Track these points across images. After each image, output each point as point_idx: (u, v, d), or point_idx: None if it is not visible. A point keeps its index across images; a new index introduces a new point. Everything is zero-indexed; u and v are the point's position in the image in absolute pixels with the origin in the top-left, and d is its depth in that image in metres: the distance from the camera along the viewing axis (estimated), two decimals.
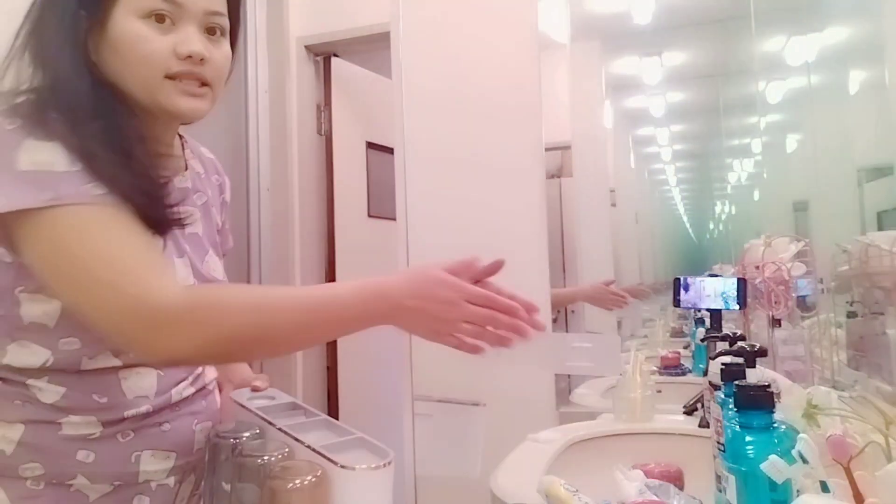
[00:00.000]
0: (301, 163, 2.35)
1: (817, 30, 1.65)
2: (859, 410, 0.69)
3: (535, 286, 1.55)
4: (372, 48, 2.37)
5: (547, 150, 1.69)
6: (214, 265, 0.93)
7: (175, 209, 0.82)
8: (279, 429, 0.82)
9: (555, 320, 1.74)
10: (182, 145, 0.97)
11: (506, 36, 1.69)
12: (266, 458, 0.77)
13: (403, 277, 0.78)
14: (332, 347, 2.32)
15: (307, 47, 2.40)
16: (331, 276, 2.31)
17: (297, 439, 0.79)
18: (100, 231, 0.71)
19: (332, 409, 2.29)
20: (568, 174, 1.89)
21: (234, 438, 0.82)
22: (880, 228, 1.26)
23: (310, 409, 0.90)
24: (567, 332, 1.83)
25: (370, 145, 2.56)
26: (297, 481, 0.71)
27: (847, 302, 1.30)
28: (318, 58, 2.44)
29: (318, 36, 2.39)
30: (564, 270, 1.86)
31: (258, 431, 0.84)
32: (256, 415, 0.86)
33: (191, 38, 0.80)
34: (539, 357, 1.33)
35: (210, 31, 0.83)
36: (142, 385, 0.82)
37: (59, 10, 0.79)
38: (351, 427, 0.85)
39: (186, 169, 0.94)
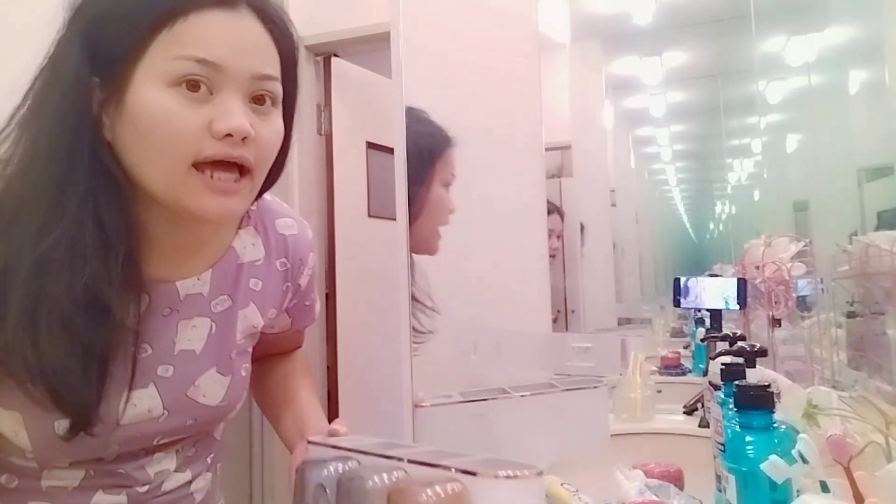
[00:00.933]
0: (301, 163, 2.34)
1: (817, 30, 1.65)
2: (859, 410, 0.69)
3: (534, 286, 1.55)
4: (372, 48, 2.37)
5: (547, 150, 1.69)
6: (210, 388, 0.76)
7: (100, 413, 0.64)
8: (390, 456, 0.63)
9: (555, 320, 1.74)
10: (242, 221, 0.80)
11: (506, 36, 1.69)
12: (385, 476, 0.58)
13: None
14: (332, 347, 2.32)
15: (307, 47, 2.40)
16: (331, 276, 2.31)
17: (420, 463, 0.61)
18: None
19: (332, 409, 2.29)
20: (568, 174, 1.89)
21: (335, 467, 0.63)
22: (880, 228, 1.26)
23: (407, 444, 0.74)
24: (567, 331, 1.83)
25: (370, 145, 2.55)
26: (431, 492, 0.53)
27: (847, 302, 1.30)
28: (318, 58, 2.44)
29: (318, 36, 2.39)
30: (564, 270, 1.86)
31: (360, 463, 0.65)
32: (354, 451, 0.68)
33: (231, 111, 0.62)
34: (539, 357, 1.33)
35: (258, 99, 0.65)
36: None
37: (66, 77, 0.63)
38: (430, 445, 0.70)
39: (212, 267, 0.76)
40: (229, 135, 0.62)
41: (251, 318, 0.81)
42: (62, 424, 0.64)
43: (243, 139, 0.63)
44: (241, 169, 0.65)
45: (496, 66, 1.69)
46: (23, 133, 0.64)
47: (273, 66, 0.67)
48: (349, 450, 0.67)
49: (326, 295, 2.31)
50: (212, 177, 0.63)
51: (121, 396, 0.68)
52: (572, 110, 1.88)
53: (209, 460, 0.85)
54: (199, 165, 0.63)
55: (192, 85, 0.61)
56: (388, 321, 1.12)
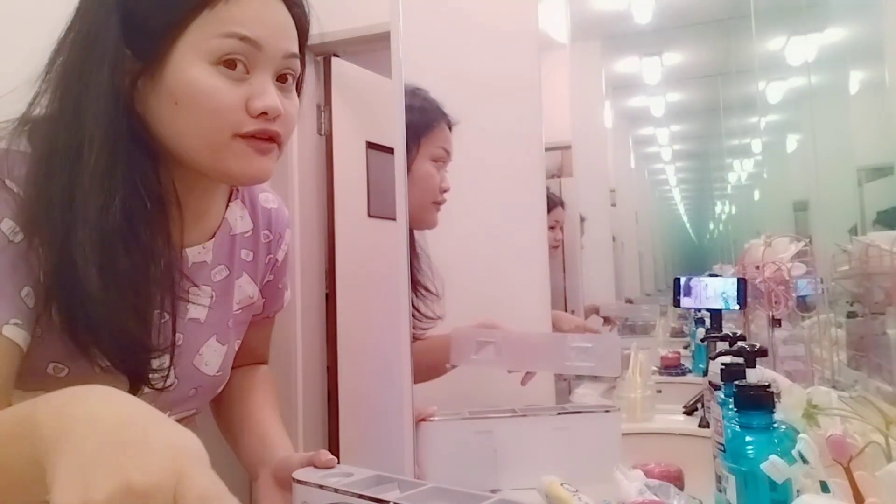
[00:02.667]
0: (301, 163, 2.34)
1: (817, 30, 1.65)
2: (859, 410, 0.69)
3: (535, 285, 1.55)
4: (372, 48, 2.37)
5: (547, 149, 1.69)
6: (210, 356, 0.79)
7: (154, 364, 0.67)
8: (379, 500, 0.61)
9: None
10: (232, 193, 0.84)
11: (506, 36, 1.69)
12: None
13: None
14: (332, 347, 2.32)
15: (307, 47, 2.40)
16: (331, 276, 2.31)
17: None
18: None
19: (333, 409, 2.29)
20: (568, 174, 1.89)
21: None
22: (877, 224, 1.26)
23: (403, 480, 0.71)
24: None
25: (370, 145, 2.55)
26: None
27: (847, 302, 1.30)
28: (318, 58, 2.44)
29: (317, 36, 2.37)
30: (564, 270, 1.86)
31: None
32: (347, 493, 0.64)
33: (267, 91, 0.67)
34: (539, 357, 1.33)
35: (282, 77, 0.70)
36: None
37: (101, 48, 0.65)
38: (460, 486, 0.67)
39: (212, 237, 0.79)
40: (265, 113, 0.66)
41: (246, 289, 0.84)
42: None
43: (276, 117, 0.68)
44: (272, 140, 0.70)
45: (496, 66, 1.69)
46: (56, 93, 0.66)
47: (296, 45, 0.71)
48: (337, 491, 0.65)
49: (326, 295, 2.31)
50: (251, 141, 0.68)
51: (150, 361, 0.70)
52: (572, 110, 1.88)
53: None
54: (241, 137, 0.67)
55: (230, 63, 0.65)
56: (389, 321, 1.12)
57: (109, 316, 0.63)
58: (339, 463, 0.73)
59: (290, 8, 0.70)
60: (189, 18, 0.64)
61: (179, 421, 0.78)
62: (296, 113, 0.73)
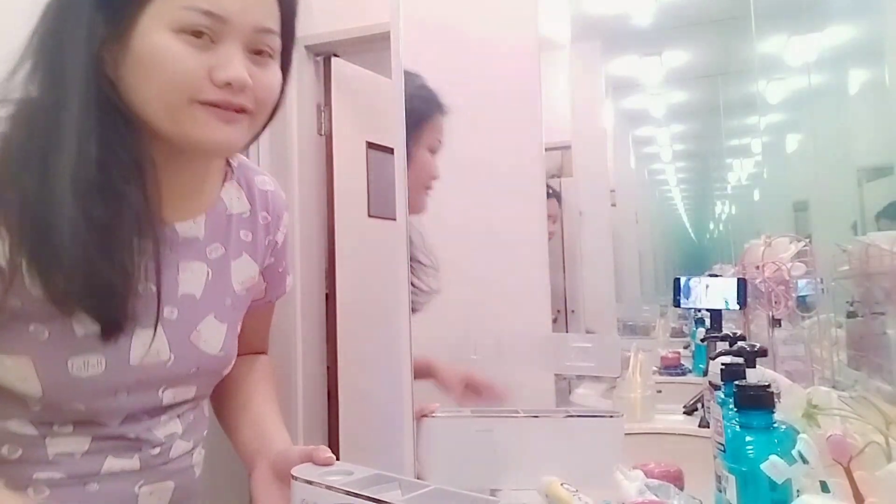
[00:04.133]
0: (301, 163, 2.34)
1: (817, 30, 1.65)
2: (859, 410, 0.69)
3: (534, 285, 1.55)
4: (372, 48, 2.37)
5: (547, 150, 1.69)
6: (210, 334, 0.79)
7: (130, 310, 0.67)
8: (378, 501, 0.60)
9: (555, 320, 1.74)
10: (227, 175, 0.84)
11: (506, 36, 1.69)
12: None
13: None
14: (332, 347, 2.32)
15: (307, 47, 2.40)
16: (331, 276, 2.31)
17: None
18: None
19: (333, 409, 2.29)
20: (568, 174, 1.89)
21: None
22: (880, 228, 1.26)
23: (404, 479, 0.70)
24: (567, 332, 1.83)
25: (370, 145, 2.55)
26: None
27: (847, 302, 1.30)
28: (318, 58, 2.44)
29: (318, 36, 2.39)
30: (564, 270, 1.86)
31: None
32: (348, 493, 0.63)
33: (232, 61, 0.66)
34: (539, 357, 1.33)
35: (256, 52, 0.70)
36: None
37: (75, 14, 0.67)
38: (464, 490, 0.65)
39: (206, 213, 0.80)
40: (229, 84, 0.66)
41: (248, 270, 0.84)
42: (76, 362, 0.68)
43: (242, 88, 0.67)
44: (241, 111, 0.69)
45: (496, 66, 1.69)
46: (34, 60, 0.68)
47: (274, 20, 0.71)
48: (337, 490, 0.64)
49: (326, 295, 2.31)
50: (215, 109, 0.67)
51: (131, 335, 0.71)
52: (572, 110, 1.88)
53: (204, 434, 0.86)
54: (202, 104, 0.67)
55: (196, 33, 0.66)
56: (389, 321, 1.12)
57: (82, 258, 0.64)
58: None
59: None
60: None
61: (182, 406, 0.79)
62: (275, 85, 0.72)
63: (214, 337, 0.79)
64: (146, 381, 0.73)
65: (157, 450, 0.76)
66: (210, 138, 0.68)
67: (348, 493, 0.62)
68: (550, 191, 1.80)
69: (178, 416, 0.80)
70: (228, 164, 0.84)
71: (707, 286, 1.59)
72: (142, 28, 0.66)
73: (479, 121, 1.65)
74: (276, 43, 0.72)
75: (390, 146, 1.07)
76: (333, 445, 2.21)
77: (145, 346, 0.72)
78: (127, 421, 0.74)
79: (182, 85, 0.66)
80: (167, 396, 0.77)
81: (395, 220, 1.07)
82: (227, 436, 0.88)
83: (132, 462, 0.74)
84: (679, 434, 1.24)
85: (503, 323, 1.39)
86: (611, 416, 0.99)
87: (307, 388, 2.25)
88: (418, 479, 0.80)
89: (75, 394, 0.69)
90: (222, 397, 0.90)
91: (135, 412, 0.74)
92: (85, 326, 0.67)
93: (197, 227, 0.78)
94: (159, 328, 0.72)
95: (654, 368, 1.65)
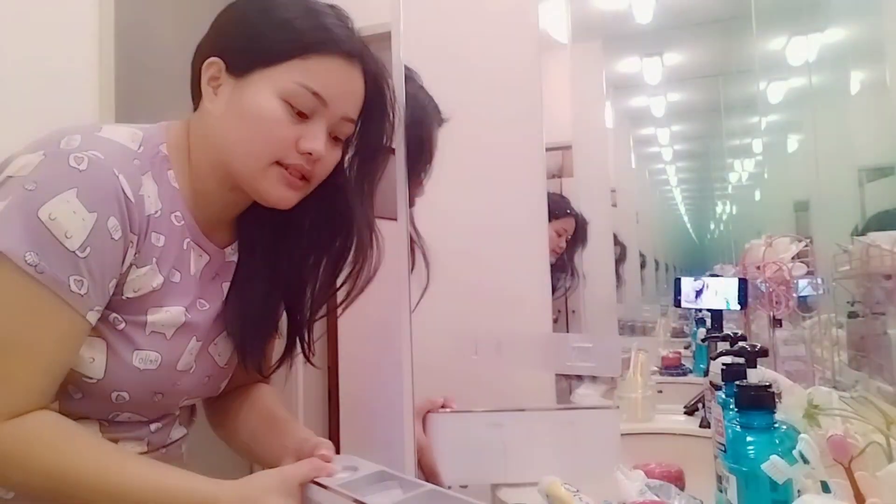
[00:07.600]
0: None
1: (818, 30, 1.65)
2: (860, 411, 0.69)
3: (535, 285, 1.55)
4: (372, 48, 2.37)
5: (547, 150, 1.69)
6: (223, 346, 0.86)
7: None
8: None
9: (555, 320, 1.74)
10: None
11: (506, 36, 1.69)
12: None
13: (236, 484, 0.69)
14: (332, 347, 2.32)
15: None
16: None
17: None
18: (13, 318, 0.65)
19: (333, 409, 2.29)
20: (569, 174, 1.89)
21: None
22: (881, 228, 1.26)
23: (405, 478, 0.73)
24: (567, 332, 1.83)
25: None
26: None
27: (848, 302, 1.30)
28: None
29: None
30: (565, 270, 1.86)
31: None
32: (343, 494, 0.67)
33: (318, 138, 0.76)
34: (539, 357, 1.33)
35: (334, 136, 0.80)
36: None
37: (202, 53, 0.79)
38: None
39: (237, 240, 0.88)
40: (310, 153, 0.76)
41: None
42: (140, 355, 0.74)
43: (316, 160, 0.77)
44: (304, 177, 0.79)
45: (496, 66, 1.69)
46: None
47: (356, 111, 0.81)
48: (341, 494, 0.68)
49: None
50: (286, 170, 0.77)
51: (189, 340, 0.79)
52: (573, 110, 1.88)
53: (190, 429, 0.92)
54: (277, 164, 0.76)
55: (297, 105, 0.75)
56: (389, 321, 1.12)
57: None
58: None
59: (366, 78, 0.81)
60: (282, 59, 0.75)
61: (185, 407, 0.87)
62: (332, 164, 0.81)
63: (225, 351, 0.86)
64: (177, 386, 0.80)
65: (159, 434, 0.82)
66: (273, 195, 0.77)
67: (344, 495, 0.67)
68: (569, 210, 1.80)
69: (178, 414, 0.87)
70: None
71: (708, 286, 1.59)
72: (255, 83, 0.75)
73: (479, 121, 1.65)
74: (350, 130, 0.82)
75: (390, 146, 1.07)
76: (334, 445, 2.21)
77: (192, 354, 0.79)
78: (153, 420, 0.80)
79: (275, 147, 0.75)
80: (184, 401, 0.85)
81: (395, 220, 1.07)
82: (245, 456, 0.92)
83: (140, 446, 0.80)
84: (680, 434, 1.23)
85: (504, 323, 1.39)
86: (608, 408, 1.00)
87: (307, 389, 2.25)
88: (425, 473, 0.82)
89: (134, 381, 0.74)
90: (234, 422, 0.93)
91: (160, 413, 0.81)
92: (154, 325, 0.74)
93: (233, 252, 0.87)
94: (195, 341, 0.80)
95: (655, 368, 1.65)
